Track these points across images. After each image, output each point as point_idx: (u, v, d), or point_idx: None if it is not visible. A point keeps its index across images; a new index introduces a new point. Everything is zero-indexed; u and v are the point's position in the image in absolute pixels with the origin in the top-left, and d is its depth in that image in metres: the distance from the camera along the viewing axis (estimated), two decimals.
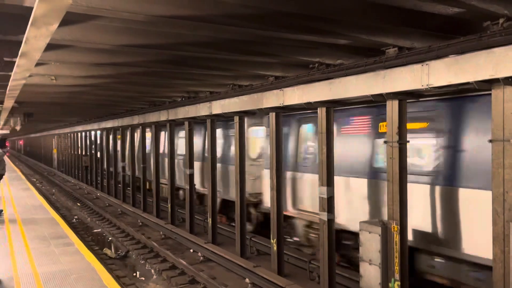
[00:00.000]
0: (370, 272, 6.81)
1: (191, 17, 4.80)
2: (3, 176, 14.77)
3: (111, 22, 5.22)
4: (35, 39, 4.63)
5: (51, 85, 9.90)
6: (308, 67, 7.73)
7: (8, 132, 35.93)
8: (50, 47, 6.19)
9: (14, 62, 6.45)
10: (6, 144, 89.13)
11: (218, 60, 7.72)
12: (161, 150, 17.02)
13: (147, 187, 17.58)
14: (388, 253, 6.55)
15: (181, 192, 16.57)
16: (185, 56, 7.31)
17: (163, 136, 16.92)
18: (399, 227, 6.38)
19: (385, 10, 5.34)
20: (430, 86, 5.57)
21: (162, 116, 14.18)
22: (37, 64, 7.23)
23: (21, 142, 79.09)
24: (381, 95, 6.37)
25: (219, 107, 10.80)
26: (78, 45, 6.36)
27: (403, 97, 6.30)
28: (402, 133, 6.32)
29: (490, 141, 5.08)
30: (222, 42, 6.48)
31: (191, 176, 13.14)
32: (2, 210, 12.53)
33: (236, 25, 5.32)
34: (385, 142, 6.52)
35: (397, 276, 6.45)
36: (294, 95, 8.15)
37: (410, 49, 6.06)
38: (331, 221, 7.80)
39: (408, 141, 6.43)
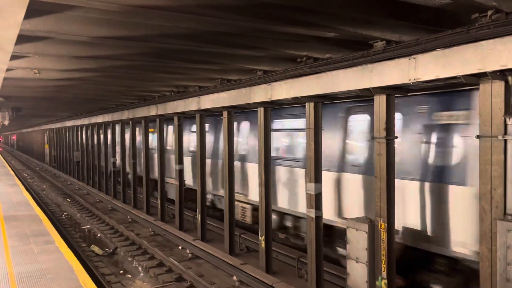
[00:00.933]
0: (357, 270, 6.68)
1: (167, 7, 4.61)
2: None
3: (86, 12, 5.01)
4: (4, 29, 4.42)
5: (36, 79, 9.66)
6: (296, 61, 7.56)
7: None
8: (26, 39, 6.00)
9: None
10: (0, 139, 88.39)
11: (203, 53, 7.52)
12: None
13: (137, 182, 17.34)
14: (375, 251, 6.42)
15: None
16: (168, 49, 7.11)
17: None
18: (386, 224, 6.24)
19: (372, 2, 5.17)
20: (417, 80, 5.41)
21: (152, 111, 13.98)
22: (15, 57, 7.03)
23: (14, 137, 78.50)
24: (368, 89, 6.21)
25: (208, 101, 10.62)
26: (55, 37, 6.14)
27: (391, 91, 6.15)
28: (389, 128, 6.17)
29: (478, 136, 4.93)
30: (205, 35, 6.28)
31: (180, 172, 12.97)
32: None
33: (217, 17, 5.13)
34: (372, 138, 6.36)
35: (384, 274, 6.32)
36: (282, 90, 7.98)
37: (398, 42, 5.89)
38: (319, 218, 7.66)
39: (396, 137, 6.28)
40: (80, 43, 6.70)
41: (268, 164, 9.08)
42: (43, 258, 7.26)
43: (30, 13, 4.38)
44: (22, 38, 5.66)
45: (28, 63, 7.97)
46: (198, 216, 11.76)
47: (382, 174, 6.25)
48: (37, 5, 4.50)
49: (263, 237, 9.06)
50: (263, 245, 9.06)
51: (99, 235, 14.08)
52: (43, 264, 6.90)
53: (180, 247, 11.65)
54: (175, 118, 12.85)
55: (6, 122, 21.35)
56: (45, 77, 9.43)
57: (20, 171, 33.66)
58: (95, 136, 22.28)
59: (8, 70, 7.86)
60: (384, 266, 6.31)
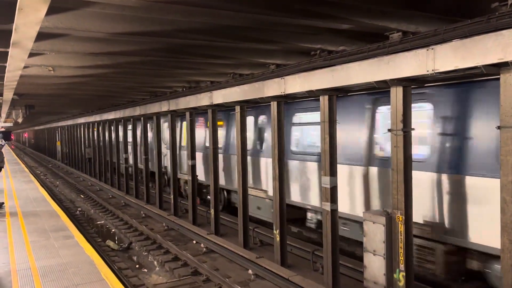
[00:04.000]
0: (375, 262, 6.68)
1: (184, 1, 4.61)
2: (2, 169, 14.72)
3: (104, 8, 5.04)
4: (24, 26, 4.47)
5: (50, 76, 9.75)
6: (309, 54, 7.52)
7: (12, 125, 35.96)
8: (43, 36, 6.04)
9: (8, 52, 6.29)
10: (11, 136, 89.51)
11: (217, 48, 7.52)
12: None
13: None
14: (392, 243, 6.41)
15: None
16: (182, 44, 7.12)
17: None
18: (403, 217, 6.22)
19: None
20: (435, 72, 5.36)
21: (163, 106, 14.03)
22: (32, 55, 7.09)
23: (25, 135, 79.35)
24: (385, 81, 6.17)
25: (220, 96, 10.63)
26: (72, 34, 6.20)
27: (408, 83, 6.10)
28: (406, 120, 6.13)
29: (498, 127, 4.88)
30: (219, 29, 6.28)
31: (193, 167, 13.02)
32: (3, 203, 12.49)
33: (233, 10, 5.13)
34: (389, 130, 6.33)
35: (402, 266, 6.31)
36: (296, 83, 7.96)
37: (414, 33, 5.84)
38: (334, 211, 7.66)
39: (413, 129, 6.24)
40: (95, 39, 6.74)
41: (281, 158, 9.08)
42: (64, 253, 7.37)
43: (49, 10, 4.40)
44: (39, 35, 5.71)
45: (43, 61, 8.04)
46: (212, 211, 11.81)
47: (399, 167, 6.22)
48: (57, 2, 4.53)
49: (277, 230, 9.09)
50: (278, 238, 9.09)
51: (113, 230, 14.23)
52: (64, 259, 7.01)
53: (194, 242, 11.73)
54: (187, 114, 12.90)
55: (20, 120, 21.63)
56: (59, 74, 9.51)
57: (33, 168, 34.06)
58: (107, 133, 22.46)
59: (24, 67, 7.93)
60: (402, 258, 6.29)
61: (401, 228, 6.25)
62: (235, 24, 6.06)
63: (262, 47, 7.44)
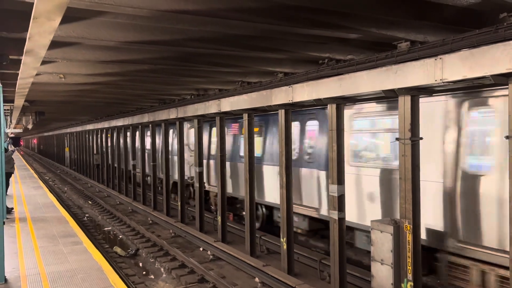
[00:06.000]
0: (382, 272, 6.65)
1: (195, 11, 4.69)
2: (12, 175, 14.87)
3: (116, 18, 5.13)
4: (38, 35, 4.56)
5: (60, 84, 9.90)
6: (317, 63, 7.58)
7: (21, 131, 36.37)
8: (55, 44, 6.16)
9: (21, 60, 6.42)
10: (21, 142, 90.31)
11: (225, 57, 7.61)
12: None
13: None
14: (400, 252, 6.39)
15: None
16: (192, 53, 7.21)
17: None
18: (411, 226, 6.20)
19: (396, 3, 5.17)
20: (444, 81, 5.38)
21: (172, 114, 14.13)
22: (44, 62, 7.22)
23: (35, 141, 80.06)
24: (392, 90, 6.20)
25: (228, 104, 10.70)
26: (84, 42, 6.31)
27: (416, 92, 6.12)
28: (414, 129, 6.14)
29: (507, 137, 4.88)
30: (228, 38, 6.37)
31: (200, 174, 13.07)
32: (12, 208, 12.62)
33: (242, 20, 5.20)
34: (397, 139, 6.34)
35: (410, 276, 6.28)
36: (304, 92, 8.00)
37: (422, 43, 5.87)
38: (342, 220, 7.64)
39: (421, 138, 6.24)
40: (106, 48, 6.86)
41: (289, 166, 9.09)
42: (72, 259, 7.43)
43: (62, 19, 4.50)
44: (52, 44, 5.82)
45: (55, 68, 8.17)
46: (219, 218, 11.83)
47: (407, 176, 6.21)
48: (70, 11, 4.62)
49: (284, 239, 9.08)
50: (285, 247, 9.07)
51: (120, 236, 14.29)
52: (73, 264, 7.06)
53: (201, 249, 11.74)
54: (195, 121, 12.98)
55: (30, 126, 21.89)
56: (69, 81, 9.66)
57: (42, 174, 34.34)
58: (115, 139, 22.63)
59: (36, 75, 8.07)
60: (410, 268, 6.26)
61: (409, 237, 6.23)
62: (244, 33, 6.14)
63: (270, 55, 7.52)
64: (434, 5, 5.10)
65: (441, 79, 5.38)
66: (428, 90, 6.29)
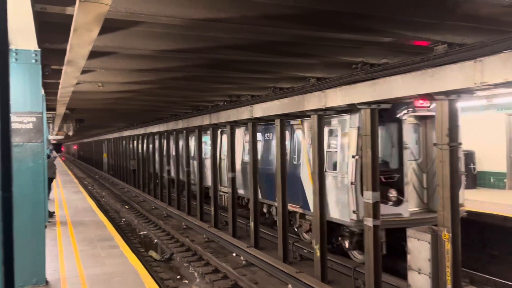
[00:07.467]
0: (420, 281, 6.45)
1: (228, 19, 4.74)
2: (54, 180, 15.48)
3: (151, 27, 5.27)
4: (78, 46, 4.74)
5: (99, 92, 10.25)
6: (350, 68, 7.49)
7: (63, 138, 37.85)
8: (94, 54, 6.38)
9: (62, 70, 6.69)
10: (62, 148, 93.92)
11: (258, 63, 7.64)
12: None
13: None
14: (439, 262, 6.17)
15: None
16: (225, 60, 7.29)
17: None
18: (450, 235, 5.98)
19: (432, 5, 5.03)
20: (484, 84, 5.18)
21: (205, 120, 14.33)
22: (84, 72, 7.50)
23: (75, 147, 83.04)
24: (429, 94, 6.03)
25: (260, 110, 10.74)
26: (120, 52, 6.51)
27: (454, 96, 5.93)
28: (453, 135, 5.94)
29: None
30: (261, 44, 6.40)
31: (233, 180, 13.16)
32: (54, 212, 13.11)
33: (275, 26, 5.21)
34: (434, 144, 6.16)
35: (449, 287, 6.05)
36: (337, 97, 7.92)
37: (460, 45, 5.68)
38: (376, 227, 7.48)
39: (461, 143, 6.03)
40: (141, 56, 7.05)
41: (322, 173, 9.00)
42: (109, 262, 7.63)
43: (100, 30, 4.67)
44: (91, 54, 6.04)
45: (93, 77, 8.47)
46: (251, 224, 11.85)
47: (445, 182, 6.02)
48: (107, 22, 4.78)
49: (318, 245, 8.97)
50: (318, 253, 8.96)
51: (155, 240, 14.55)
52: (110, 268, 7.25)
53: (234, 254, 11.78)
54: (228, 127, 13.10)
55: (71, 133, 22.77)
56: (107, 89, 9.98)
57: (81, 179, 35.58)
58: (151, 145, 23.14)
59: (76, 84, 8.39)
60: (449, 278, 6.04)
61: (448, 246, 6.01)
62: (276, 40, 6.15)
63: (302, 61, 7.49)
64: (472, 7, 4.93)
65: (481, 82, 5.19)
66: (467, 94, 6.09)
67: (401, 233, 7.54)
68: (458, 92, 5.85)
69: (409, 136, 9.53)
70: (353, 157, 8.77)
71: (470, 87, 5.39)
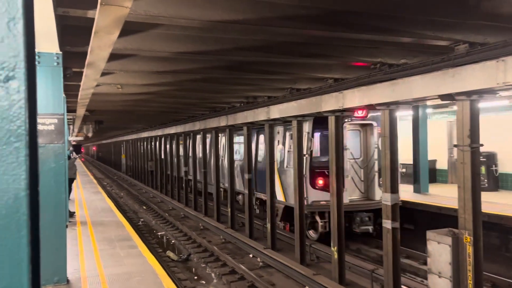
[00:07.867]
0: (440, 285, 6.34)
1: (246, 21, 4.75)
2: (74, 180, 15.74)
3: (168, 29, 5.32)
4: (99, 49, 4.82)
5: (118, 94, 10.40)
6: (369, 68, 7.42)
7: (82, 139, 38.52)
8: (114, 57, 6.48)
9: (82, 72, 6.81)
10: (81, 150, 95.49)
11: (275, 64, 7.64)
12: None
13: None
14: (460, 265, 6.05)
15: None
16: (242, 61, 7.31)
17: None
18: (472, 238, 5.86)
19: (454, 4, 4.95)
20: (507, 84, 5.07)
21: (222, 121, 14.38)
22: (103, 74, 7.62)
23: (94, 148, 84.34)
24: (449, 95, 5.93)
25: (277, 111, 10.73)
26: (139, 54, 6.59)
27: (475, 96, 5.81)
28: (474, 136, 5.83)
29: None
30: (278, 46, 6.39)
31: (249, 181, 13.17)
32: (74, 212, 13.34)
33: (292, 27, 5.20)
34: (455, 145, 6.04)
35: None
36: (355, 97, 7.85)
37: (482, 44, 5.57)
38: (395, 229, 7.38)
39: (482, 145, 5.91)
40: (160, 59, 7.12)
41: (340, 174, 8.94)
42: (128, 262, 7.72)
43: (120, 33, 4.74)
44: (110, 56, 6.13)
45: (113, 79, 8.60)
46: (268, 225, 11.84)
47: (466, 184, 5.90)
48: (127, 25, 4.85)
49: (335, 247, 8.91)
50: (336, 255, 8.90)
51: (173, 241, 14.67)
52: (129, 267, 7.34)
53: (251, 255, 11.78)
54: (244, 128, 13.12)
55: (90, 134, 23.16)
56: (126, 91, 10.12)
57: (100, 180, 36.11)
58: (168, 147, 23.35)
59: (96, 86, 8.53)
60: (471, 282, 5.92)
61: (469, 249, 5.90)
62: (294, 41, 6.14)
63: (320, 62, 7.46)
64: (494, 4, 4.83)
65: (503, 82, 5.08)
66: (489, 95, 5.96)
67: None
68: (480, 93, 5.73)
69: (353, 140, 12.09)
70: (304, 155, 10.88)
71: (493, 87, 5.29)
